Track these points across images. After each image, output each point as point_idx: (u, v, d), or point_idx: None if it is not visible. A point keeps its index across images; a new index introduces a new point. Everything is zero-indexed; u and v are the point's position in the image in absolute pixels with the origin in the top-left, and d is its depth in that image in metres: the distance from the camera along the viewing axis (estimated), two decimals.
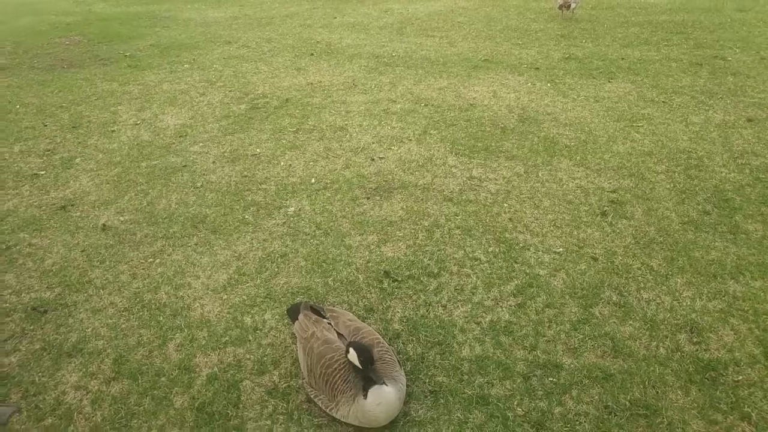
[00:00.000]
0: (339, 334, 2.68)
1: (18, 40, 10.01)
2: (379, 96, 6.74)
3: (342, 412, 2.48)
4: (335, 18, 11.43)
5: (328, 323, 2.76)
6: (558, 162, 4.91)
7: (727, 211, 4.09)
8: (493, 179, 4.67)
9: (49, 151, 5.47)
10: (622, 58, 7.78)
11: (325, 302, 3.33)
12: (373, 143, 5.46)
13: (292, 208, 4.39)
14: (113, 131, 5.93)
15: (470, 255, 3.72)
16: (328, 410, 2.54)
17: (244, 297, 3.41)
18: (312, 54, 8.68)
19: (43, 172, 5.05)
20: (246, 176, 4.92)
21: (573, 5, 10.25)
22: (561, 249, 3.74)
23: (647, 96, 6.37)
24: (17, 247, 3.93)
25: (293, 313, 2.97)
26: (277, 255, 3.82)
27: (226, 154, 5.35)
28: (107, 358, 2.95)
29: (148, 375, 2.84)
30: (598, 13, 10.77)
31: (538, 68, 7.51)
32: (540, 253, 3.71)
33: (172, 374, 2.85)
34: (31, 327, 3.18)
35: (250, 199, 4.55)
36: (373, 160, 5.13)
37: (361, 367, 2.40)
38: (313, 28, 10.57)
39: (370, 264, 3.69)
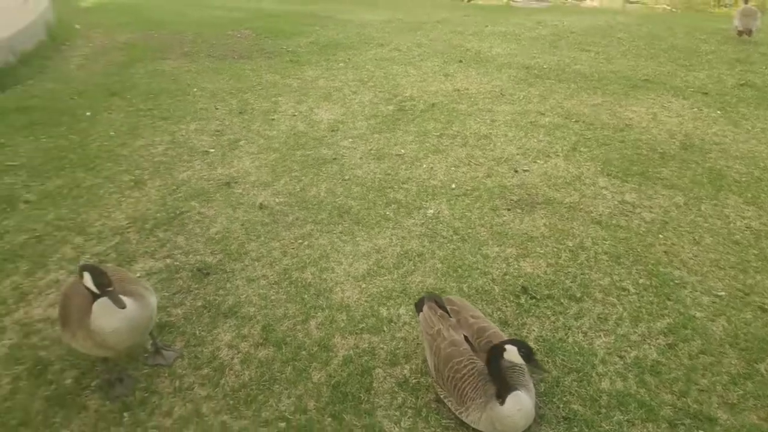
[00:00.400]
0: (465, 338, 2.68)
1: (197, 31, 11.18)
2: (527, 107, 6.61)
3: (472, 418, 2.48)
4: (486, 26, 11.39)
5: (453, 320, 2.77)
6: (725, 197, 4.48)
7: None
8: (648, 207, 4.38)
9: (218, 132, 6.06)
10: None
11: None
12: (517, 155, 5.38)
13: (431, 210, 4.46)
14: (273, 119, 6.41)
15: (617, 284, 3.53)
16: (457, 413, 2.55)
17: (381, 289, 3.53)
18: (461, 61, 8.72)
19: (212, 150, 5.60)
20: (389, 174, 5.08)
21: (754, 30, 9.29)
22: (723, 293, 3.42)
23: None
24: (188, 214, 4.40)
25: (419, 305, 2.99)
26: (414, 253, 3.90)
27: (372, 151, 5.56)
28: (257, 324, 3.21)
29: (291, 346, 3.05)
30: None
31: (706, 93, 6.91)
32: (698, 293, 3.42)
33: (312, 350, 3.03)
34: (196, 286, 3.55)
35: (392, 196, 4.69)
36: (516, 171, 5.04)
37: (523, 361, 2.35)
38: (464, 35, 10.62)
39: (507, 277, 3.64)
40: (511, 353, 2.35)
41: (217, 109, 6.75)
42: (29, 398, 2.81)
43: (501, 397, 2.39)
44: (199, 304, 3.38)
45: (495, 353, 2.41)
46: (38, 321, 3.32)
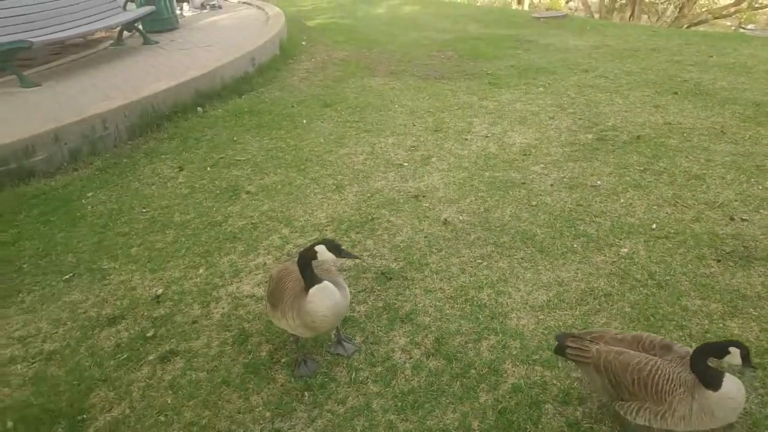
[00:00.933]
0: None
1: (404, 51, 11.90)
2: (753, 149, 5.81)
3: (681, 412, 2.24)
4: (711, 57, 10.26)
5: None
6: None
7: None
8: None
9: (413, 147, 6.39)
10: None
11: None
12: (735, 201, 4.76)
13: (625, 249, 4.16)
14: (466, 139, 6.56)
15: None
16: (660, 415, 2.29)
17: (560, 323, 3.40)
18: (676, 92, 7.99)
19: (406, 164, 5.92)
20: (581, 205, 4.86)
21: None
22: None
23: None
24: (378, 220, 4.72)
25: (559, 350, 2.71)
26: (600, 293, 3.68)
27: (564, 179, 5.38)
28: (431, 334, 3.33)
29: (461, 363, 3.10)
30: None
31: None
32: None
33: (482, 370, 3.04)
34: (378, 287, 3.80)
35: (581, 228, 4.49)
36: (732, 219, 4.47)
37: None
38: (682, 64, 9.71)
39: (708, 335, 3.25)
40: (734, 355, 2.19)
41: (414, 125, 7.11)
42: (231, 362, 3.27)
43: (711, 384, 2.20)
44: (380, 305, 3.61)
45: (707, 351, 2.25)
46: (246, 296, 3.84)
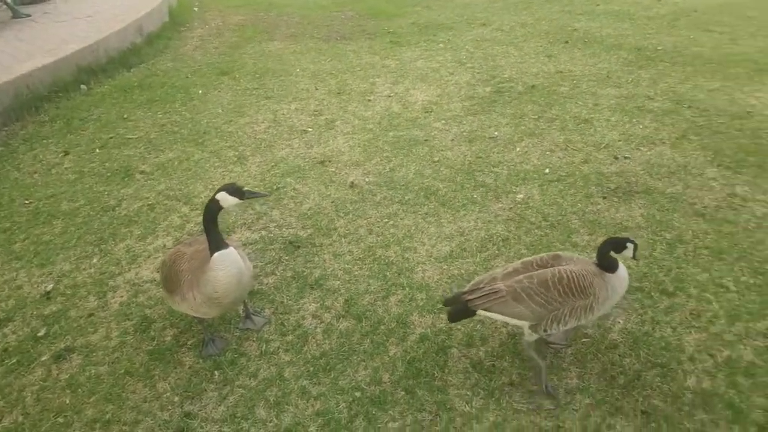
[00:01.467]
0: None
1: (304, 13, 11.57)
2: (634, 91, 6.22)
3: (603, 296, 2.60)
4: (599, 5, 10.74)
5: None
6: None
7: None
8: (761, 201, 4.01)
9: (316, 112, 6.30)
10: None
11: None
12: (619, 141, 5.10)
13: (521, 195, 4.38)
14: (369, 100, 6.55)
15: (716, 280, 3.29)
16: (588, 310, 2.59)
17: (463, 271, 3.55)
18: (566, 42, 8.34)
19: (310, 130, 5.84)
20: (480, 157, 5.03)
21: None
22: None
23: None
24: (284, 189, 4.66)
25: (457, 313, 2.75)
26: (499, 238, 3.87)
27: (464, 133, 5.53)
28: (340, 297, 3.37)
29: (371, 320, 3.17)
30: None
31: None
32: None
33: (390, 325, 3.13)
34: (287, 257, 3.78)
35: (481, 179, 4.65)
36: (616, 158, 4.80)
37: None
38: (573, 14, 10.11)
39: None
40: (629, 249, 2.65)
41: (317, 89, 7.00)
42: (134, 351, 3.15)
43: (612, 268, 2.65)
44: (289, 274, 3.60)
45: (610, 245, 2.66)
46: (146, 282, 3.70)
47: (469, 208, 4.26)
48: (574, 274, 2.59)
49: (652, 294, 3.23)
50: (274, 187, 4.69)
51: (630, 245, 2.65)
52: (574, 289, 2.57)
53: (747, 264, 3.41)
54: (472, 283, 2.77)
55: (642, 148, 4.92)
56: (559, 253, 2.77)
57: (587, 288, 2.58)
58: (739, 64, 6.84)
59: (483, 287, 2.68)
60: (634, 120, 5.49)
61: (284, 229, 4.09)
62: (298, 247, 3.87)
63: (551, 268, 2.65)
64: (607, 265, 2.66)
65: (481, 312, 2.65)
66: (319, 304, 3.32)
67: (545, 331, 2.63)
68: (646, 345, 2.89)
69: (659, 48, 7.69)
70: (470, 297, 2.66)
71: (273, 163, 5.11)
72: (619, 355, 2.85)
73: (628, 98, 6.04)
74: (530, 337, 2.69)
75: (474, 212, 4.20)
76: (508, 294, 2.62)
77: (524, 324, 2.65)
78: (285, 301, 3.38)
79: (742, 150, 4.75)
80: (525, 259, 2.78)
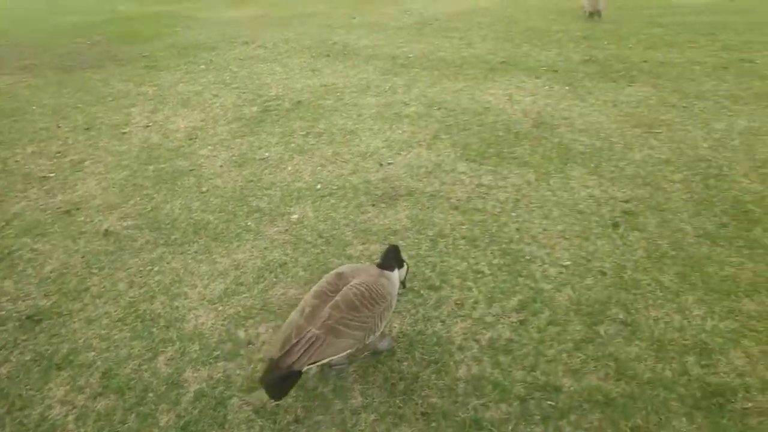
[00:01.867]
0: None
1: (42, 40, 10.17)
2: (392, 99, 6.63)
3: (393, 293, 2.78)
4: (354, 18, 11.36)
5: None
6: (571, 170, 4.74)
7: (745, 224, 3.89)
8: (502, 187, 4.53)
9: (59, 153, 5.51)
10: (645, 61, 7.53)
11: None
12: (382, 148, 5.36)
13: (296, 215, 4.32)
14: (124, 133, 5.94)
15: (474, 267, 3.60)
16: (390, 308, 2.74)
17: (240, 308, 3.35)
18: (328, 55, 8.61)
19: (52, 175, 5.07)
20: (252, 181, 4.87)
21: (602, 10, 10.02)
22: (568, 262, 3.59)
23: (668, 101, 6.13)
24: (19, 253, 3.94)
25: (286, 381, 2.43)
26: (276, 264, 3.75)
27: (234, 157, 5.31)
28: (96, 371, 2.91)
29: (136, 390, 2.79)
30: (623, 14, 10.49)
31: (556, 71, 7.31)
32: (546, 266, 3.57)
33: (159, 390, 2.79)
34: (24, 337, 3.17)
35: (254, 204, 4.49)
36: (381, 165, 5.03)
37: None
38: (332, 28, 10.51)
39: None
40: (403, 270, 2.98)
41: (59, 127, 6.15)
42: None
43: (391, 268, 2.86)
44: (28, 357, 3.01)
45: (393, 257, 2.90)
46: None
47: (243, 237, 4.07)
48: (369, 285, 2.64)
49: (422, 292, 3.41)
50: (6, 252, 3.93)
51: (405, 266, 2.96)
52: (376, 299, 2.62)
53: (497, 247, 3.80)
54: (276, 342, 2.49)
55: (402, 153, 5.24)
56: (340, 269, 2.76)
57: (385, 293, 2.68)
58: (475, 65, 7.74)
59: (297, 342, 2.41)
60: (394, 126, 5.84)
61: (20, 302, 3.43)
62: (39, 321, 3.27)
63: (347, 288, 2.59)
64: (389, 267, 2.87)
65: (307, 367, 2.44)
66: (69, 387, 2.83)
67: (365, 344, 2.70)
68: (421, 344, 3.02)
69: (410, 55, 8.36)
70: (291, 359, 2.37)
71: (3, 223, 4.31)
72: (398, 361, 2.93)
73: (387, 106, 6.42)
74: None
75: (249, 241, 4.02)
76: (327, 335, 2.45)
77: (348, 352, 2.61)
78: (24, 392, 2.81)
79: (484, 143, 5.33)
80: (314, 289, 2.65)
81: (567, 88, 6.69)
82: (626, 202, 4.22)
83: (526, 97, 6.49)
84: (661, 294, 3.29)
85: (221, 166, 5.15)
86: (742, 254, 3.59)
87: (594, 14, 10.02)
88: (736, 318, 3.09)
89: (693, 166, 4.70)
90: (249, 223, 4.24)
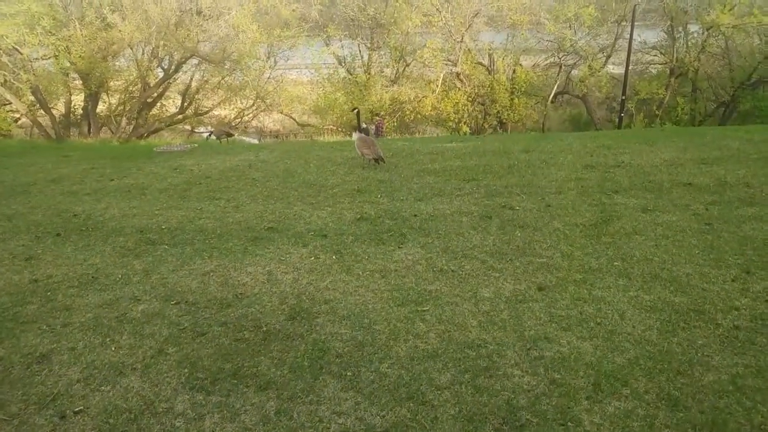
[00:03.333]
0: None
1: None
2: (121, 293, 5.26)
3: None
4: (112, 180, 9.98)
5: None
6: (323, 387, 3.75)
7: None
8: None
9: None
10: (415, 215, 7.30)
11: None
12: (77, 382, 3.90)
13: None
14: None
15: None
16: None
17: None
18: (59, 234, 7.03)
19: None
20: None
21: (383, 156, 10.11)
22: None
23: (437, 264, 5.71)
24: None
25: None
26: None
27: None
28: None
29: None
30: (399, 161, 10.69)
31: (325, 235, 6.66)
32: None
33: None
34: None
35: None
36: (63, 417, 3.54)
37: None
38: (78, 195, 8.98)
39: None
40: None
41: None
42: None
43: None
44: None
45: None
46: None
47: None
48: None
49: None
50: None
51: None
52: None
53: None
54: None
55: (104, 387, 3.83)
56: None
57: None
58: (237, 234, 6.80)
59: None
60: (108, 339, 4.44)
61: None
62: None
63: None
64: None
65: None
66: None
67: None
68: None
69: (164, 226, 7.18)
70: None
71: None
72: None
73: (111, 305, 5.03)
74: None
75: None
76: None
77: None
78: None
79: (221, 354, 4.17)
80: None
81: (334, 257, 6.00)
82: None
83: (289, 273, 5.61)
84: None
85: None
86: None
87: (378, 160, 10.00)
88: None
89: (462, 358, 4.03)
90: None
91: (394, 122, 30.61)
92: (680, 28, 29.17)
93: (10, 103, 27.13)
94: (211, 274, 5.67)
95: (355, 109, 11.90)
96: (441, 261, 5.80)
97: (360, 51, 33.50)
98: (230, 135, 15.16)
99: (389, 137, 25.68)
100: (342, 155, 11.46)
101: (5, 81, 25.54)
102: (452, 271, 5.55)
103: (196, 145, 13.97)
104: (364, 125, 12.41)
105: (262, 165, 10.83)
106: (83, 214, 7.90)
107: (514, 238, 6.37)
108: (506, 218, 7.08)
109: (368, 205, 7.83)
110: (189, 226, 7.20)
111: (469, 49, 29.48)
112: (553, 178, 8.91)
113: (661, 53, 30.33)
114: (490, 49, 30.30)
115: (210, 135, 15.23)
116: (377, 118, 25.96)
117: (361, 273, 5.58)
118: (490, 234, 6.54)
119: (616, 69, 31.11)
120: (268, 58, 33.20)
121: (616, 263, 5.60)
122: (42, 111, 28.19)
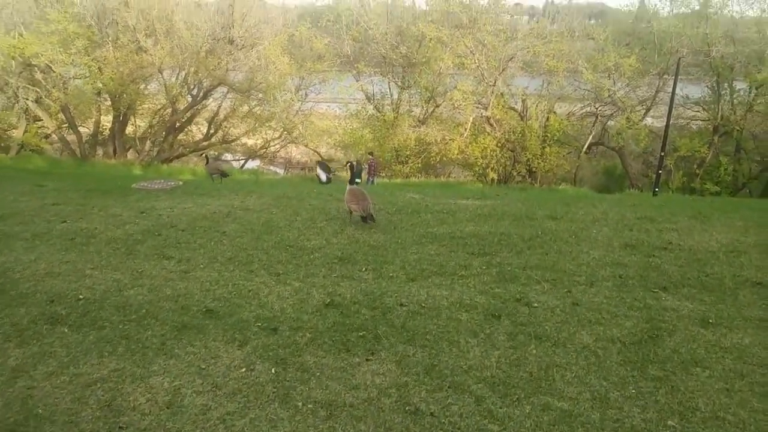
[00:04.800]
0: None
1: None
2: None
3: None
4: (64, 222, 8.58)
5: None
6: None
7: None
8: None
9: None
10: (401, 304, 5.63)
11: None
12: None
13: None
14: None
15: None
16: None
17: None
18: None
19: None
20: None
21: (374, 213, 8.53)
22: None
23: (412, 399, 4.02)
24: None
25: None
26: None
27: None
28: None
29: None
30: (399, 220, 9.03)
31: (275, 329, 5.04)
32: None
33: None
34: None
35: None
36: None
37: None
38: (13, 239, 7.55)
39: None
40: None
41: None
42: None
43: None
44: None
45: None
46: None
47: None
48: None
49: None
50: None
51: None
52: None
53: None
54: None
55: None
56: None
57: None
58: (165, 317, 5.24)
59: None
60: None
61: None
62: None
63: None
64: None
65: None
66: None
67: None
68: None
69: (81, 296, 5.72)
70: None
71: None
72: None
73: None
74: None
75: None
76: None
77: None
78: None
79: None
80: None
81: (274, 371, 4.36)
82: None
83: (201, 396, 4.03)
84: None
85: None
86: None
87: (367, 218, 8.40)
88: None
89: None
90: None
91: (418, 163, 29.17)
92: (726, 84, 27.27)
93: (41, 120, 26.79)
94: (98, 385, 4.10)
95: (348, 163, 10.52)
96: (419, 393, 4.10)
97: (390, 89, 32.44)
98: (225, 175, 13.57)
99: (408, 179, 24.15)
100: (337, 207, 9.87)
101: (38, 98, 25.24)
102: (431, 415, 3.85)
103: (181, 183, 12.56)
104: (354, 162, 11.68)
105: (242, 214, 9.31)
106: (0, 267, 6.46)
107: (526, 358, 4.64)
108: (520, 320, 5.35)
109: (346, 283, 6.19)
110: (112, 298, 5.66)
111: (501, 93, 28.06)
112: (584, 261, 7.14)
113: (704, 109, 28.38)
114: (523, 95, 28.82)
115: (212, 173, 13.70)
116: (370, 157, 23.95)
117: (300, 405, 3.92)
118: (495, 347, 4.82)
119: (655, 122, 29.26)
120: (298, 90, 32.48)
121: (670, 422, 3.82)
122: (70, 129, 27.80)
